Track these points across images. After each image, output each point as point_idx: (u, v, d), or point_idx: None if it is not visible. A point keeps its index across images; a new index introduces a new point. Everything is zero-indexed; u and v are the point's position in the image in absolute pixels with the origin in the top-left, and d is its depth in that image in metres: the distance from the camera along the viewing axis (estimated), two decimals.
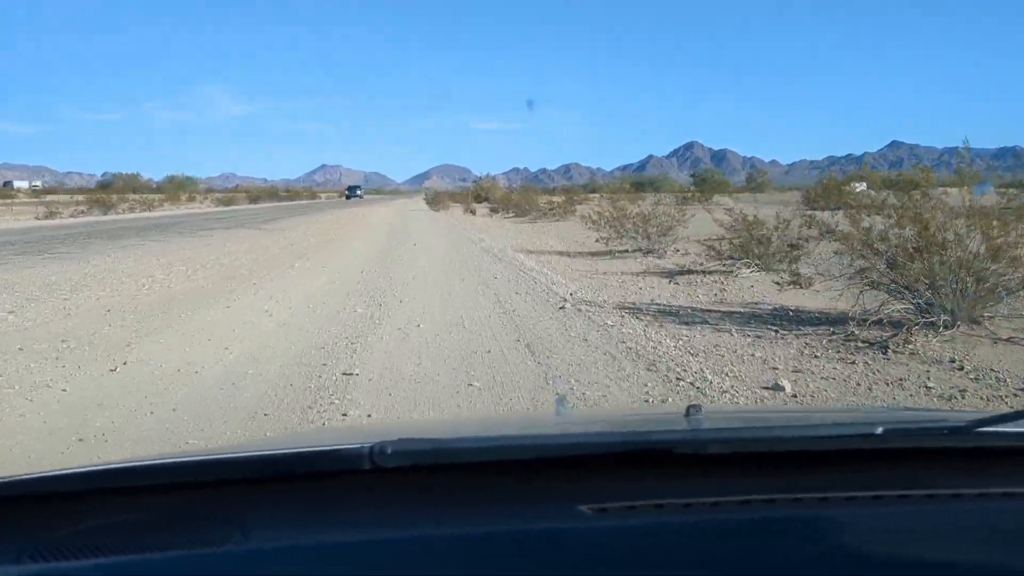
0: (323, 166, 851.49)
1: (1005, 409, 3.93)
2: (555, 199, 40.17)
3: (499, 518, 0.94)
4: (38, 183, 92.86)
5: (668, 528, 0.91)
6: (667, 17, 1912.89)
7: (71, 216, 33.76)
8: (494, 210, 41.32)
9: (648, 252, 14.61)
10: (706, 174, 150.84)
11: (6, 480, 0.98)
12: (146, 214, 38.16)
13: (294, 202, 72.45)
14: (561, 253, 15.73)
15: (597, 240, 16.03)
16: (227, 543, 0.88)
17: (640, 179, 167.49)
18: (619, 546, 0.87)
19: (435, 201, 48.45)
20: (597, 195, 67.66)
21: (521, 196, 49.73)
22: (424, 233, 21.98)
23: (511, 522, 0.92)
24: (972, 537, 0.91)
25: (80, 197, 53.23)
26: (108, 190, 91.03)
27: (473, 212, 40.30)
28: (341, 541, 0.90)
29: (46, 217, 30.91)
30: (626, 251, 15.03)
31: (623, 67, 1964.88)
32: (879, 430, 1.01)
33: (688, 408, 1.31)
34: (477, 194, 64.34)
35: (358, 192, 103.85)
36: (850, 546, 0.88)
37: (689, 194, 47.73)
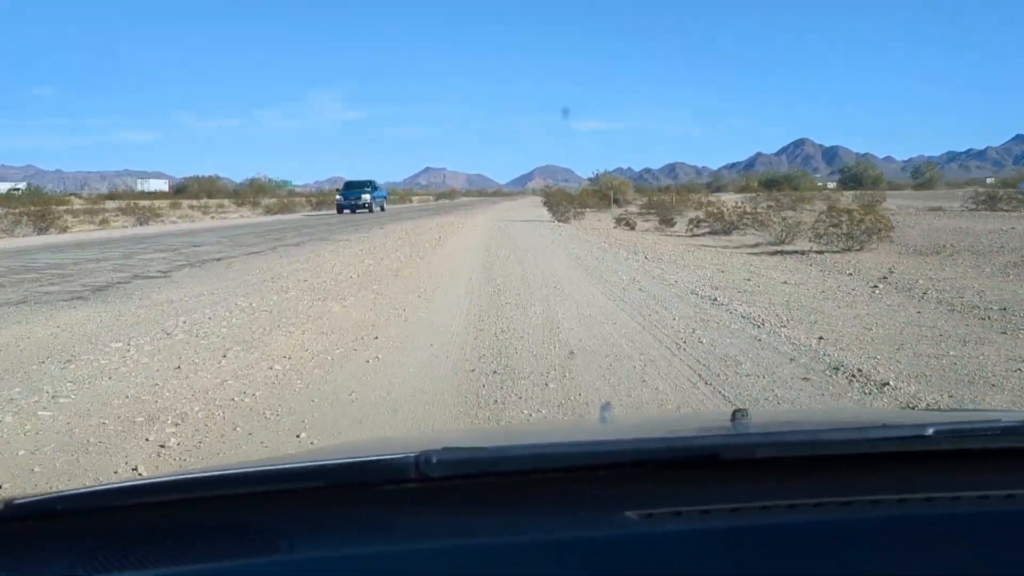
0: (427, 169, 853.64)
1: None
2: (740, 199, 23.77)
3: (545, 525, 0.92)
4: (20, 186, 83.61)
5: (715, 533, 0.88)
6: (771, 11, 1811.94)
7: None
8: (664, 221, 25.26)
9: None
10: (857, 169, 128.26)
11: (58, 495, 0.99)
12: (97, 234, 24.09)
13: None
14: None
15: None
16: (274, 553, 0.87)
17: (773, 176, 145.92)
18: (665, 552, 0.86)
19: (557, 204, 32.01)
20: (820, 194, 49.48)
21: (682, 198, 33.44)
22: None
23: (557, 529, 0.90)
24: None
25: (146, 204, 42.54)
26: (183, 195, 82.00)
27: (631, 226, 24.42)
28: (386, 551, 0.89)
29: None
30: None
31: (728, 64, 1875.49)
32: (929, 432, 1.00)
33: (734, 412, 1.27)
34: (603, 194, 49.25)
35: (364, 198, 40.81)
36: (902, 550, 0.85)
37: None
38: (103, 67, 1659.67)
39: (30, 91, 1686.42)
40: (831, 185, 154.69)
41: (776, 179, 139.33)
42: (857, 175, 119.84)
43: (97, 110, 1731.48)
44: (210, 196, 75.83)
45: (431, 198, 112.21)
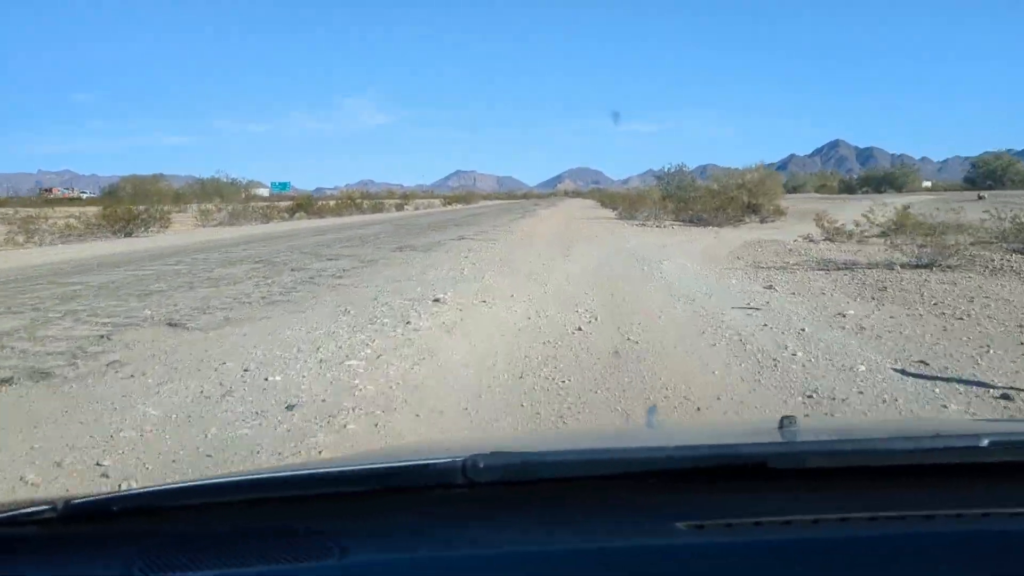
0: (457, 172, 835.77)
1: None
2: None
3: (593, 533, 0.91)
4: None
5: (767, 546, 0.86)
6: (805, 11, 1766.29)
7: None
8: None
9: None
10: (996, 164, 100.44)
11: (114, 495, 1.00)
12: None
13: (335, 220, 36.17)
14: None
15: None
16: (326, 557, 0.88)
17: (871, 174, 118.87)
18: (716, 564, 0.84)
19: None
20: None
21: None
22: None
23: (605, 538, 0.89)
24: None
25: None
26: (114, 199, 61.36)
27: None
28: (435, 555, 0.89)
29: None
30: None
31: (761, 66, 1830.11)
32: (984, 443, 0.96)
33: (782, 420, 1.24)
34: (725, 196, 27.63)
35: None
36: (960, 567, 0.82)
37: None
38: (140, 72, 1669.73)
39: (69, 97, 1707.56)
40: (927, 184, 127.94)
41: (874, 177, 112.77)
42: (995, 171, 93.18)
43: (133, 114, 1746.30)
44: (145, 201, 55.03)
45: (438, 201, 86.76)
